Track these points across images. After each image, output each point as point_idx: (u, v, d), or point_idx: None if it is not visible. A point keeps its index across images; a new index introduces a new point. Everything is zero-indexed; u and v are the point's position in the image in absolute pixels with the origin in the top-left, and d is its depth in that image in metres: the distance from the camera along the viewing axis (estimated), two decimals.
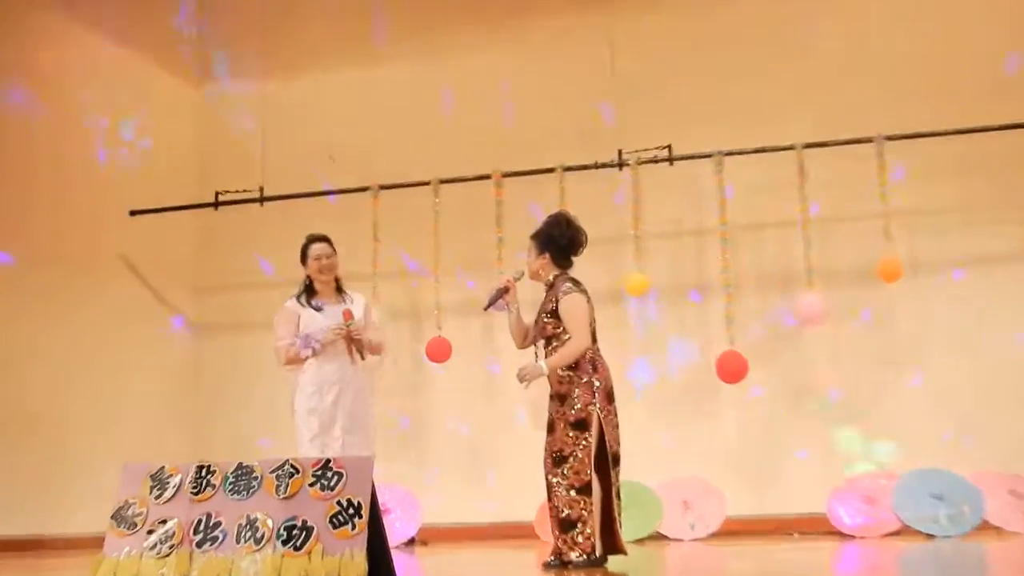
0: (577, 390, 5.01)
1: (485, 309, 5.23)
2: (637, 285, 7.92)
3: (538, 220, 5.40)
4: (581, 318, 5.00)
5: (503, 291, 5.16)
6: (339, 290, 5.73)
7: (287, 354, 5.54)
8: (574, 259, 5.27)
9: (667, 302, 8.40)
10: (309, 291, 5.67)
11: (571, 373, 5.02)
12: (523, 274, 5.24)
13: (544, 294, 5.22)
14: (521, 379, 5.02)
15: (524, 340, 5.26)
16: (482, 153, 8.43)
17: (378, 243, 8.20)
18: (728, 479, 7.92)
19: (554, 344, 5.11)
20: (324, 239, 5.72)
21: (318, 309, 5.59)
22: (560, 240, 5.19)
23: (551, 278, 5.18)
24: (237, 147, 9.22)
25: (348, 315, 5.52)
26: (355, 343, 5.53)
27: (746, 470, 8.04)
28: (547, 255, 5.17)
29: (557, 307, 5.06)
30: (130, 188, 8.81)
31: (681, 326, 8.41)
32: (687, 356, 8.35)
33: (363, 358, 5.64)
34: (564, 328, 5.06)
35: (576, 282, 5.14)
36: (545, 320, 5.10)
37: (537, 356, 5.16)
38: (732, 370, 7.57)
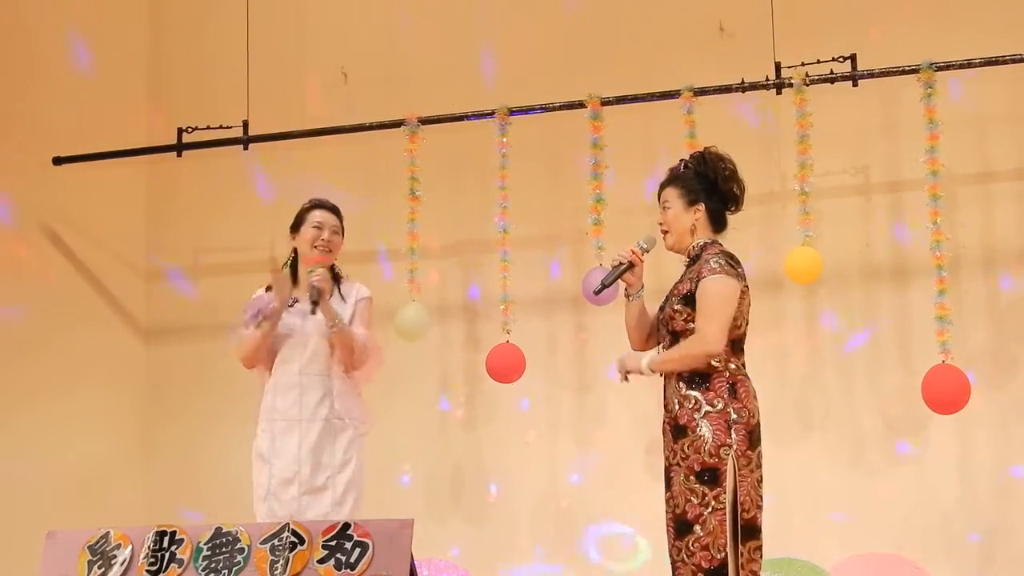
0: (704, 423, 4.34)
1: (596, 293, 4.61)
2: (805, 264, 6.34)
3: (656, 170, 4.89)
4: (719, 308, 4.29)
5: (626, 267, 4.51)
6: (333, 280, 5.09)
7: (237, 337, 4.97)
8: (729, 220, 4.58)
9: (842, 291, 6.99)
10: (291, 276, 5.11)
11: (697, 395, 4.33)
12: (654, 243, 4.57)
13: (682, 270, 4.53)
14: (619, 370, 4.49)
15: (646, 340, 4.63)
16: (560, 72, 7.19)
17: (417, 202, 6.89)
18: (938, 555, 6.56)
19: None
20: (332, 208, 5.14)
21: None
22: (723, 185, 4.45)
23: (700, 246, 4.44)
24: (209, 63, 8.09)
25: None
26: (328, 317, 4.81)
27: (967, 543, 6.66)
28: (702, 207, 4.45)
29: (695, 289, 4.35)
30: (54, 125, 7.58)
31: (866, 327, 6.96)
32: (878, 373, 6.91)
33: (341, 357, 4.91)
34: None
35: (732, 258, 4.40)
36: (675, 308, 4.38)
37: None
38: (947, 393, 6.21)
